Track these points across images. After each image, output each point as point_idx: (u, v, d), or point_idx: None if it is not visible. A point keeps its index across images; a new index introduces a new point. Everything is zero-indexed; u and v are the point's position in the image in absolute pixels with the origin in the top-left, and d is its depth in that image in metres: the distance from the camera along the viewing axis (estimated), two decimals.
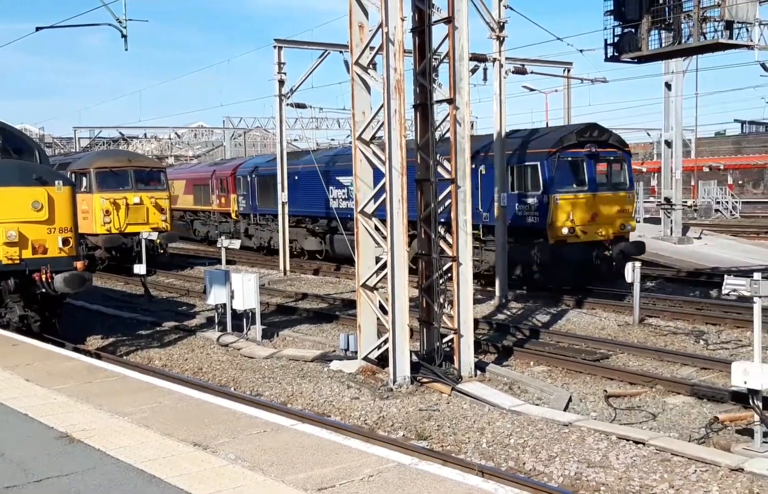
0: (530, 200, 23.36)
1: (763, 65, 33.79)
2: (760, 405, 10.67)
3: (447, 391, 13.22)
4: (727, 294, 11.45)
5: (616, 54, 19.16)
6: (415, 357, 14.12)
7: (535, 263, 23.42)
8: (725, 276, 11.74)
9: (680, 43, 18.76)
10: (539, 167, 23.15)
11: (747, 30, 30.16)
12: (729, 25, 18.47)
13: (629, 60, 19.35)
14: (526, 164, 23.56)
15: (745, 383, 10.64)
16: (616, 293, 22.26)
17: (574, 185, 23.32)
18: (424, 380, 13.68)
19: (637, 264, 19.25)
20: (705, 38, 18.58)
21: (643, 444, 10.61)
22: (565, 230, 22.81)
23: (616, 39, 19.11)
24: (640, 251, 23.97)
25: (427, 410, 12.40)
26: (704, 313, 19.68)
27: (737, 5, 18.16)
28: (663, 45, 19.05)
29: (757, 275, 10.87)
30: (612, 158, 24.19)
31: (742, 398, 11.89)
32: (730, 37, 18.58)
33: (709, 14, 18.77)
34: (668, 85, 30.60)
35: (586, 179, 23.43)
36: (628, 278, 19.18)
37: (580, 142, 23.51)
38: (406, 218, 13.61)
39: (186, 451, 7.59)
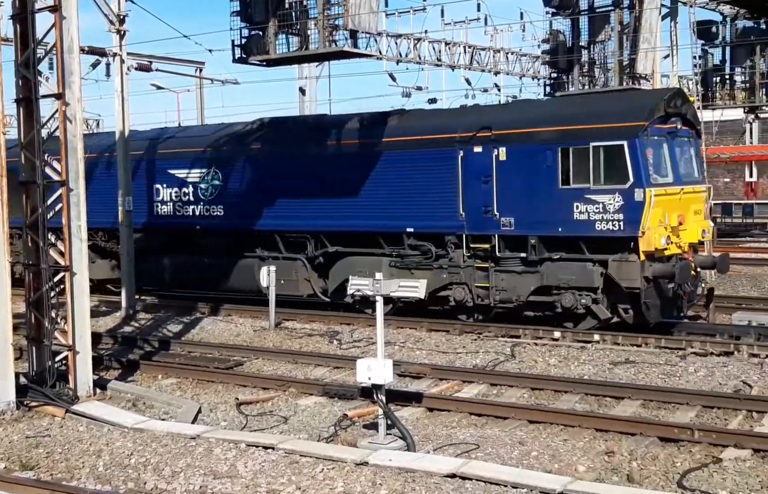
0: (605, 198, 16.94)
1: (391, 75, 36.37)
2: (384, 398, 11.21)
3: (60, 414, 12.23)
4: (352, 295, 11.90)
5: (244, 56, 19.36)
6: (23, 379, 12.91)
7: (599, 288, 17.31)
8: (350, 278, 12.21)
9: (307, 48, 19.37)
10: (626, 148, 16.79)
11: (376, 41, 32.09)
12: (354, 34, 19.43)
13: (257, 62, 19.65)
14: (598, 144, 17.06)
15: (369, 378, 11.13)
16: (251, 299, 21.97)
17: (659, 177, 17.40)
18: (33, 404, 12.55)
19: (272, 268, 19.49)
20: (336, 45, 19.39)
21: (273, 448, 10.62)
22: (663, 241, 16.80)
23: (243, 41, 19.27)
24: (726, 266, 18.76)
25: (35, 436, 11.35)
26: (339, 313, 20.44)
27: (360, 15, 19.13)
28: (291, 50, 19.55)
29: (378, 275, 11.40)
30: (686, 137, 18.43)
31: (370, 393, 12.40)
32: (355, 46, 19.56)
33: (338, 23, 19.58)
34: (302, 90, 31.66)
35: (669, 168, 17.67)
36: (263, 282, 19.37)
37: (667, 113, 17.70)
38: (7, 224, 12.36)
39: None
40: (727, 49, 54.32)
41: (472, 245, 18.60)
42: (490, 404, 13.08)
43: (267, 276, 19.31)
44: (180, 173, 22.82)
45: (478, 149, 18.36)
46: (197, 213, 22.30)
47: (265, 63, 19.77)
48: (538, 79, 42.23)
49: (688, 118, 18.38)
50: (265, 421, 12.68)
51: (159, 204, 23.33)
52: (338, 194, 19.98)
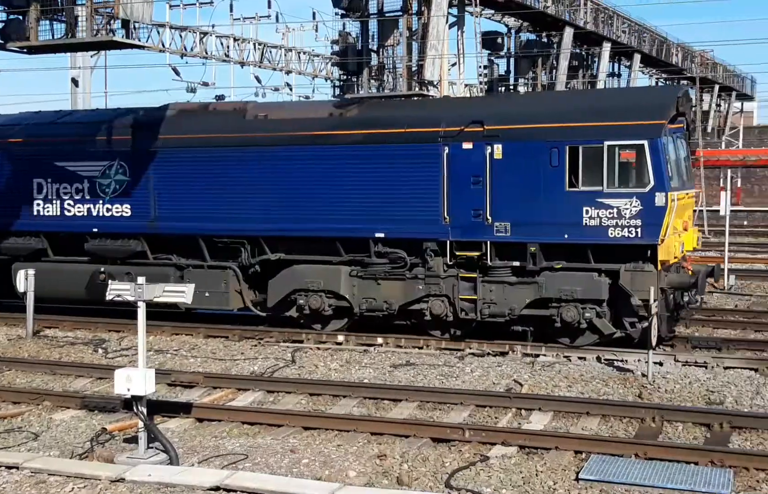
0: (620, 202, 15.73)
1: (174, 69, 35.33)
2: (144, 410, 10.66)
3: None
4: (112, 299, 11.19)
5: (1, 42, 18.06)
6: None
7: (605, 300, 16.06)
8: (109, 282, 11.50)
9: (73, 36, 18.31)
10: (646, 148, 15.65)
11: (158, 32, 30.88)
12: (126, 24, 18.55)
13: (17, 49, 18.43)
14: (614, 143, 15.83)
15: (129, 390, 10.52)
16: (6, 304, 20.32)
17: (672, 180, 16.22)
18: None
19: (30, 271, 18.23)
20: (114, 34, 18.43)
21: (17, 468, 9.81)
22: (680, 249, 16.20)
23: (2, 25, 18.02)
24: (718, 275, 18.05)
25: None
26: (107, 320, 19.39)
27: (132, 4, 18.28)
28: (57, 37, 18.43)
29: (141, 280, 10.82)
30: (683, 138, 17.52)
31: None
32: (128, 37, 18.65)
33: (107, 11, 18.64)
34: (75, 81, 30.03)
35: (676, 171, 16.59)
36: (20, 287, 18.09)
37: (678, 113, 16.72)
38: None
39: None
40: (512, 60, 57.34)
41: (457, 253, 16.89)
42: (262, 412, 12.81)
43: (24, 281, 17.97)
44: (71, 165, 19.53)
45: (467, 146, 16.69)
46: (94, 213, 19.41)
47: (26, 50, 18.48)
48: (332, 81, 42.61)
49: (688, 120, 17.69)
50: (12, 438, 11.75)
51: (41, 202, 19.82)
52: (286, 193, 17.86)
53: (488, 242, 16.54)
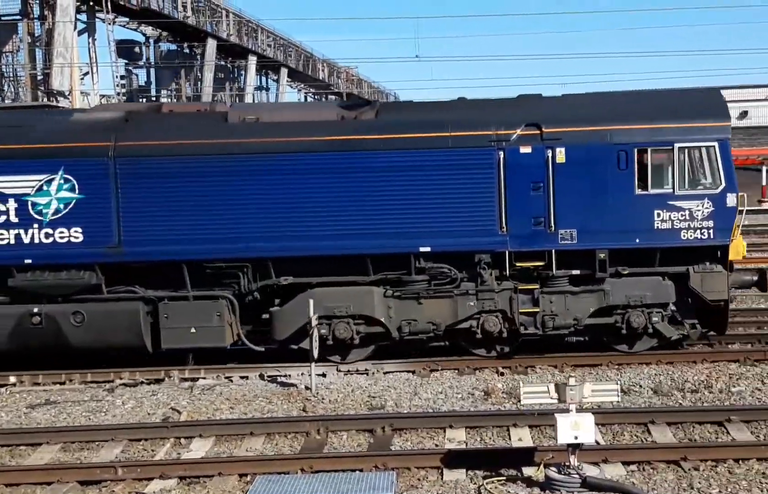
0: (692, 204, 16.05)
1: None
2: None
3: None
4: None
5: None
6: None
7: (685, 302, 16.36)
8: None
9: None
10: (717, 149, 16.16)
11: None
12: None
13: None
14: (685, 144, 16.17)
15: None
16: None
17: None
18: None
19: None
20: None
21: None
22: (745, 250, 17.05)
23: None
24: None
25: None
26: None
27: None
28: None
29: None
30: None
31: None
32: None
33: None
34: None
35: None
36: None
37: None
38: None
39: None
40: (153, 70, 56.72)
41: (517, 264, 16.30)
42: None
43: None
44: None
45: (525, 150, 16.28)
46: (26, 241, 16.28)
47: None
48: None
49: None
50: None
51: None
52: (298, 208, 16.13)
53: (552, 251, 16.34)
